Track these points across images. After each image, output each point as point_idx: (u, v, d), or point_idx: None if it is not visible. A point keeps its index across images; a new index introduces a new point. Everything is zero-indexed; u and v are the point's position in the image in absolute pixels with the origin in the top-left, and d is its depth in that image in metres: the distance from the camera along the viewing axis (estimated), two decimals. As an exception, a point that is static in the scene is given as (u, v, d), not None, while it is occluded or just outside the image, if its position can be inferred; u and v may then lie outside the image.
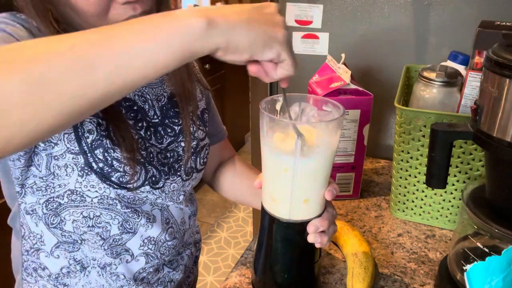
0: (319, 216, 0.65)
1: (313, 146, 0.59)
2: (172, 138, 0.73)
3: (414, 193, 0.94)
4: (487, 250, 0.66)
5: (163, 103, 0.73)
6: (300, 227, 0.64)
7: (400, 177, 0.93)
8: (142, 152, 0.67)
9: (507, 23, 0.84)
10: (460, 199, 0.88)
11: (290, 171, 0.60)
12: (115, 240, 0.70)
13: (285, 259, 0.69)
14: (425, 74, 0.96)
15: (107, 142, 0.62)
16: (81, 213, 0.66)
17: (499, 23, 0.85)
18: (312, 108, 0.63)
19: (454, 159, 0.85)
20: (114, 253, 0.71)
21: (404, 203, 0.96)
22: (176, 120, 0.74)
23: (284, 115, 0.63)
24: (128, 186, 0.66)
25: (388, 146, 1.30)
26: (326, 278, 0.80)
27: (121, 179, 0.64)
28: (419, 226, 0.95)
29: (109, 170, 0.63)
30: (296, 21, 1.28)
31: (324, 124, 0.61)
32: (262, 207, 0.67)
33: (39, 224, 0.68)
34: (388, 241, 0.90)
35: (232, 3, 3.41)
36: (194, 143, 0.76)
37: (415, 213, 0.96)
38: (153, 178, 0.69)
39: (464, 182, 0.87)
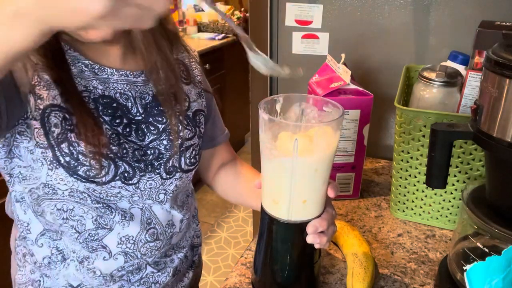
0: (318, 216, 0.65)
1: (312, 147, 0.59)
2: (155, 136, 0.73)
3: (414, 193, 0.94)
4: (487, 250, 0.66)
5: (148, 101, 0.72)
6: (299, 228, 0.64)
7: (400, 177, 0.93)
8: (113, 148, 0.67)
9: (507, 23, 0.84)
10: (460, 199, 0.88)
11: (289, 171, 0.60)
12: (90, 234, 0.71)
13: (284, 259, 0.69)
14: (425, 74, 0.96)
15: (72, 136, 0.63)
16: (55, 206, 0.68)
17: (499, 23, 0.85)
18: (313, 109, 0.63)
19: (454, 159, 0.85)
20: (89, 247, 0.72)
21: (404, 203, 0.96)
22: (160, 119, 0.73)
23: (283, 116, 0.63)
24: (96, 180, 0.66)
25: (388, 146, 1.30)
26: (326, 278, 0.80)
27: (88, 173, 0.65)
28: (419, 226, 0.95)
29: (75, 164, 0.64)
30: (296, 21, 1.28)
31: (323, 125, 0.61)
32: (262, 208, 0.67)
33: (27, 212, 0.71)
34: (388, 241, 0.90)
35: (233, 3, 3.42)
36: (178, 142, 0.75)
37: (415, 213, 0.96)
38: (125, 174, 0.69)
39: (464, 182, 0.87)
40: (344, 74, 0.96)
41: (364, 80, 1.21)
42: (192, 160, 0.78)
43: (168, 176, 0.75)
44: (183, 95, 0.77)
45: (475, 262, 0.53)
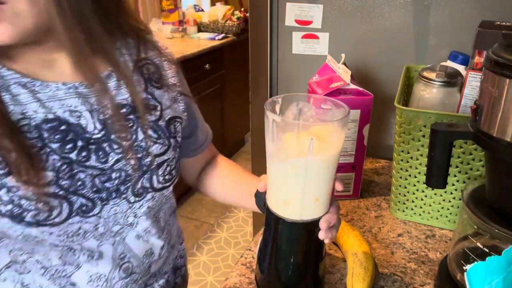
0: (327, 212, 0.65)
1: (324, 145, 0.59)
2: (120, 155, 0.63)
3: (414, 193, 0.93)
4: (487, 250, 0.66)
5: (107, 115, 0.62)
6: (310, 226, 0.65)
7: (400, 177, 0.93)
8: (64, 182, 0.58)
9: (507, 23, 0.84)
10: (460, 199, 0.88)
11: (302, 171, 0.60)
12: (58, 271, 0.64)
13: (294, 258, 0.69)
14: (425, 74, 0.96)
15: (8, 180, 0.54)
16: (14, 246, 0.61)
17: (499, 23, 0.85)
18: (310, 107, 0.63)
19: (454, 159, 0.85)
20: (57, 284, 0.65)
21: (404, 203, 0.96)
22: (124, 135, 0.64)
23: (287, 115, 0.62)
24: (48, 223, 0.57)
25: (388, 146, 1.30)
26: (326, 278, 0.79)
27: (36, 217, 0.56)
28: (419, 226, 0.95)
29: (19, 210, 0.55)
30: (296, 21, 1.27)
31: (336, 123, 0.60)
32: (268, 210, 0.66)
33: None
34: (388, 241, 0.90)
35: (233, 3, 3.42)
36: (148, 159, 0.66)
37: (415, 213, 0.96)
38: (83, 208, 0.60)
39: (464, 182, 0.87)
40: (344, 74, 0.96)
41: (364, 80, 1.21)
42: (166, 177, 0.69)
43: (136, 199, 0.66)
44: (147, 104, 0.67)
45: (475, 262, 0.53)
